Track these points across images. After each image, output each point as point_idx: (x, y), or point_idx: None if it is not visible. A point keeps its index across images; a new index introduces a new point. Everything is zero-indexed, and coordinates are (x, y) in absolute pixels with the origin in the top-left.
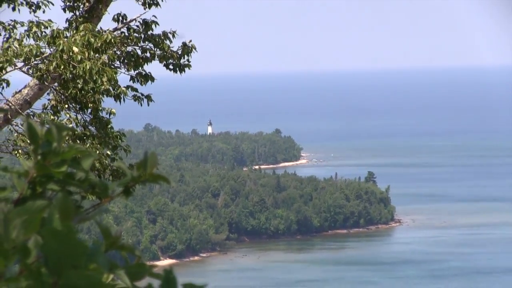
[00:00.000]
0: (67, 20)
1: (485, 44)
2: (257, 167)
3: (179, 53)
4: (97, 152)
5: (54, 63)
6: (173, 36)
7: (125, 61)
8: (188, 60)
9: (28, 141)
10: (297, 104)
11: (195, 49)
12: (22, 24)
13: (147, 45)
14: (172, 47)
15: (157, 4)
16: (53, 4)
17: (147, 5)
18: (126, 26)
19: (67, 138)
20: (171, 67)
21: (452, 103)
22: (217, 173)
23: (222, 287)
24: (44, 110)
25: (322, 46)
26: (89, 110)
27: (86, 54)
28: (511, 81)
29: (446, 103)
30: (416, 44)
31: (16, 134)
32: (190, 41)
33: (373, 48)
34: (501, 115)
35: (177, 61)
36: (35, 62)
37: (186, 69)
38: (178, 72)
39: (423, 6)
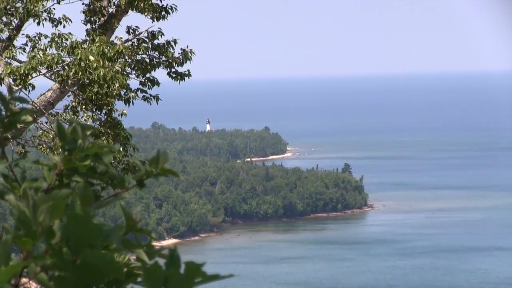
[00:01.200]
0: (87, 30)
1: (488, 49)
2: (249, 159)
3: (181, 58)
4: (114, 147)
5: (73, 70)
6: (175, 43)
7: (135, 68)
8: (188, 70)
9: (51, 137)
10: (284, 105)
11: (193, 53)
12: (46, 36)
13: (154, 53)
14: (173, 53)
15: (164, 17)
16: (71, 21)
17: (155, 19)
18: (136, 37)
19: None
20: (173, 75)
21: (430, 103)
22: (214, 165)
23: (219, 263)
24: (65, 110)
25: (320, 52)
26: (104, 111)
27: (101, 62)
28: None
29: (425, 103)
30: (419, 50)
31: (40, 131)
32: (187, 46)
33: (375, 54)
34: (473, 115)
35: (181, 66)
36: (57, 69)
37: (186, 77)
38: (179, 80)
39: (424, 12)
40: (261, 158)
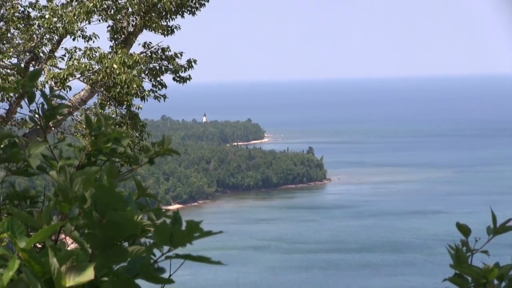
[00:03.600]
0: (110, 46)
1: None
2: (235, 143)
3: (186, 66)
4: (130, 133)
5: (101, 75)
6: (181, 55)
7: (148, 73)
8: (189, 75)
9: (85, 127)
10: (263, 103)
11: (196, 62)
12: (80, 49)
13: (163, 62)
14: (178, 62)
15: (171, 33)
16: (99, 37)
17: (164, 35)
18: (149, 50)
19: (111, 124)
20: (177, 79)
21: (392, 100)
22: (209, 148)
23: (212, 224)
24: (95, 106)
25: (320, 57)
26: (124, 106)
27: (122, 69)
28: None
29: (388, 101)
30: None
31: (76, 122)
32: (192, 58)
33: (379, 58)
34: (422, 109)
35: (184, 72)
36: (88, 74)
37: (188, 80)
38: (182, 83)
39: (434, 16)
40: (245, 143)
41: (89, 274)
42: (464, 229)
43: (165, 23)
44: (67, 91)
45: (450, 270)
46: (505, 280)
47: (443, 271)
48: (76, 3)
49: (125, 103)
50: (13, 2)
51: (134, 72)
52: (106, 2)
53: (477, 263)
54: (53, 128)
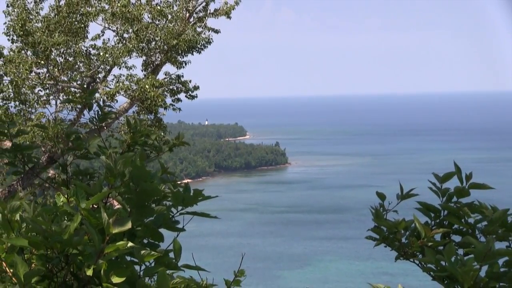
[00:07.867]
0: (143, 74)
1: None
2: (227, 139)
3: (192, 89)
4: (157, 131)
5: (137, 93)
6: (190, 82)
7: (169, 92)
8: (196, 94)
9: (126, 127)
10: (247, 112)
11: (198, 87)
12: (123, 75)
13: (179, 85)
14: (189, 86)
15: (183, 67)
16: (136, 67)
17: (177, 67)
18: (169, 76)
19: (144, 125)
20: (188, 97)
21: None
22: (209, 142)
23: (211, 192)
24: (133, 113)
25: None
26: (153, 114)
27: (152, 89)
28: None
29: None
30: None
31: (120, 124)
32: (196, 83)
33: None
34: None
35: (192, 92)
36: (129, 92)
37: (195, 98)
38: (191, 99)
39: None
40: (233, 139)
41: (128, 225)
42: (381, 196)
43: (180, 59)
44: (114, 103)
45: (371, 224)
46: (409, 230)
47: (365, 226)
48: (121, 44)
49: (154, 112)
50: (79, 45)
51: (160, 91)
52: (141, 44)
53: (390, 219)
54: (105, 128)
